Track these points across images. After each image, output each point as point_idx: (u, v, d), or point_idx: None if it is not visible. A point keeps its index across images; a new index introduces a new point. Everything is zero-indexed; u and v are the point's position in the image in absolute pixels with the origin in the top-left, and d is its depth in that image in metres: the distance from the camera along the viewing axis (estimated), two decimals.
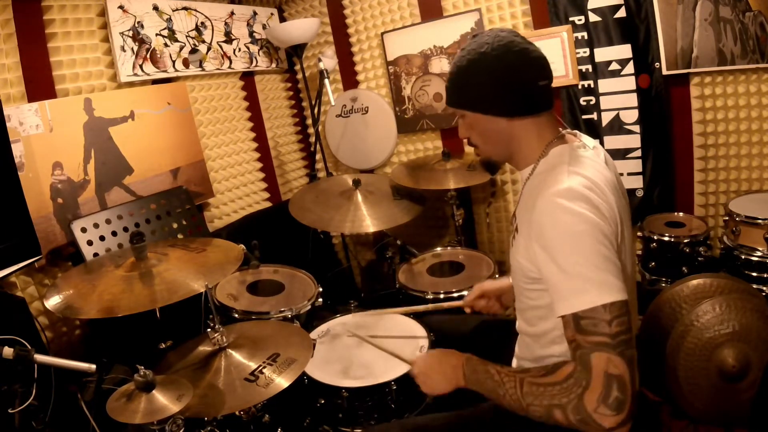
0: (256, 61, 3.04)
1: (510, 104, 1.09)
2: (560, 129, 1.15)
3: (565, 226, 0.94)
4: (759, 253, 1.95)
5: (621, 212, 1.02)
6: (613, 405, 0.86)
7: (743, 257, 2.00)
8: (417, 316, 1.82)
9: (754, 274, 1.97)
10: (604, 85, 2.49)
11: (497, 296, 1.57)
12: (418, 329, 1.74)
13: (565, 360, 0.98)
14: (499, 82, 1.07)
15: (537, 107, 1.11)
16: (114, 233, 2.01)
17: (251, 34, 3.00)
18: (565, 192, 0.96)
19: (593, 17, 2.44)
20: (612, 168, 1.14)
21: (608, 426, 0.87)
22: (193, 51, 2.62)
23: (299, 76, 3.39)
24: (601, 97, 2.52)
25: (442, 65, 2.87)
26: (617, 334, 0.88)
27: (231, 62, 2.86)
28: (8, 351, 1.22)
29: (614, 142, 2.52)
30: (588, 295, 0.90)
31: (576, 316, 0.91)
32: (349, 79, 3.24)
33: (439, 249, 2.46)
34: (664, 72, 2.34)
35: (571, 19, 2.49)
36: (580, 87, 2.55)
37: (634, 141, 2.49)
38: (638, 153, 2.49)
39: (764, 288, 1.92)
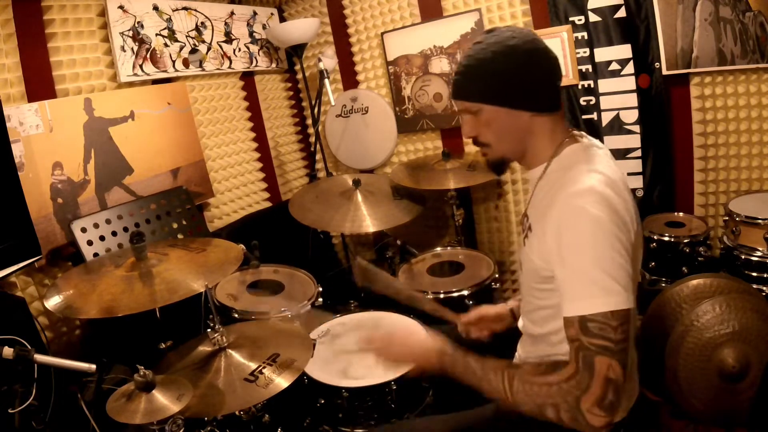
0: (256, 61, 3.04)
1: (537, 99, 1.10)
2: (570, 130, 1.17)
3: (583, 229, 0.95)
4: (759, 253, 1.95)
5: (635, 210, 1.03)
6: (607, 407, 0.90)
7: (743, 257, 2.00)
8: (417, 316, 1.82)
9: (754, 274, 1.97)
10: (604, 85, 2.49)
11: (493, 322, 1.49)
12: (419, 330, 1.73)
13: (564, 360, 0.98)
14: (531, 76, 1.08)
15: (557, 105, 1.13)
16: (114, 233, 2.01)
17: (251, 34, 3.00)
18: (585, 192, 0.96)
19: (593, 17, 2.43)
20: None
21: (597, 425, 0.90)
22: (193, 51, 2.62)
23: (299, 76, 3.39)
24: (601, 97, 2.52)
25: (442, 65, 2.87)
26: (620, 341, 0.90)
27: (231, 62, 2.86)
28: (8, 351, 1.22)
29: (614, 142, 2.52)
30: (598, 299, 0.92)
31: (583, 318, 0.93)
32: (349, 79, 3.24)
33: (439, 249, 2.45)
34: (664, 72, 2.34)
35: (571, 19, 2.48)
36: (580, 87, 2.54)
37: (634, 141, 2.49)
38: (638, 153, 2.49)
39: (764, 288, 1.92)
